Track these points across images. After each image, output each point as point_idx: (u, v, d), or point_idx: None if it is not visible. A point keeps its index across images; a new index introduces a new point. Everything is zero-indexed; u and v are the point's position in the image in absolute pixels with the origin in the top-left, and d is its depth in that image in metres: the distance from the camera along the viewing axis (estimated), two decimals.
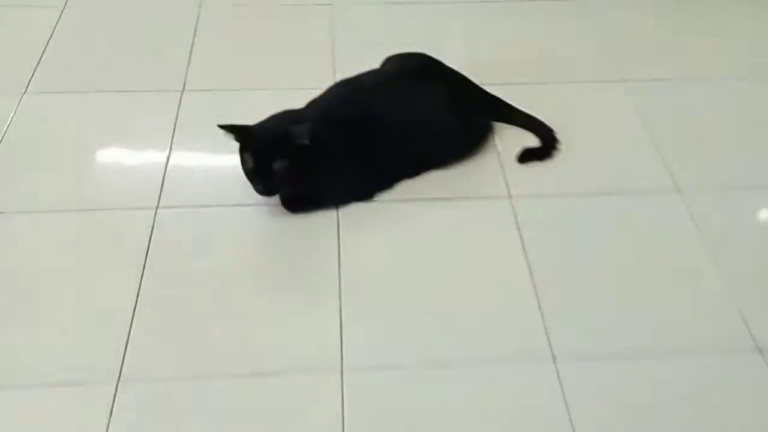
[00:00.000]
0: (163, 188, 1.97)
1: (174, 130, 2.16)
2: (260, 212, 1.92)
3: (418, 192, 1.98)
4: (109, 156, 2.13)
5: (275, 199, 1.91)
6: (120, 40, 2.52)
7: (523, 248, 1.84)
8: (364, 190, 1.94)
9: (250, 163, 1.74)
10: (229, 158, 1.85)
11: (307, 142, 1.73)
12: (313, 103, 1.93)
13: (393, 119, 1.91)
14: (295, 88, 2.23)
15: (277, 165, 1.72)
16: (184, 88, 2.31)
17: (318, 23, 2.60)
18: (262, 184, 1.75)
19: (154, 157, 2.07)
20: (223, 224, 1.89)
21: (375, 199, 1.96)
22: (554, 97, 2.29)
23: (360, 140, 1.88)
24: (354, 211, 1.93)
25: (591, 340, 1.64)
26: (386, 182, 1.97)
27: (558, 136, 2.10)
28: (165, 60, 2.42)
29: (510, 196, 1.98)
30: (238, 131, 1.73)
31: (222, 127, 1.71)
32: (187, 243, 1.84)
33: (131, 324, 1.63)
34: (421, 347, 1.62)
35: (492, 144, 2.12)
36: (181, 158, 2.08)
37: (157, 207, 1.92)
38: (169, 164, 2.05)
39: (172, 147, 2.10)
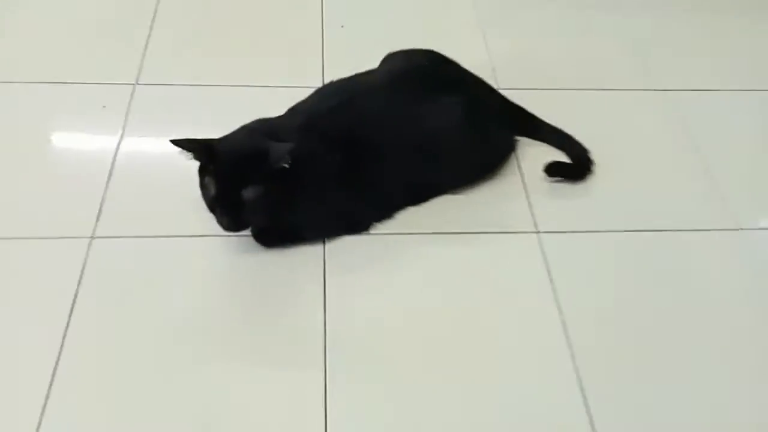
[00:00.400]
0: (102, 212, 1.55)
1: (122, 135, 1.74)
2: (225, 246, 1.52)
3: (423, 223, 1.60)
4: (38, 167, 1.70)
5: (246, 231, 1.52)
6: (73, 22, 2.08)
7: (555, 299, 1.46)
8: (358, 221, 1.56)
9: (213, 190, 1.33)
10: (187, 176, 1.44)
11: (288, 165, 1.33)
12: (294, 111, 1.54)
13: (394, 132, 1.53)
14: (278, 85, 1.86)
15: (248, 193, 1.32)
16: (137, 81, 1.89)
17: (307, 12, 2.19)
18: (228, 217, 1.35)
19: (92, 172, 1.66)
20: (175, 260, 1.49)
21: (371, 230, 1.57)
22: (583, 107, 1.93)
23: (353, 158, 1.49)
24: (344, 245, 1.54)
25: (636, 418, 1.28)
26: (385, 211, 1.59)
27: (592, 156, 1.72)
28: (118, 46, 2.00)
29: (537, 231, 1.60)
30: (197, 148, 1.33)
31: (176, 143, 1.31)
32: (127, 283, 1.44)
33: (45, 403, 1.23)
34: (426, 424, 1.25)
35: (513, 164, 1.74)
36: (126, 174, 1.66)
37: (93, 236, 1.51)
38: (110, 181, 1.63)
39: (116, 159, 1.68)
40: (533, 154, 1.76)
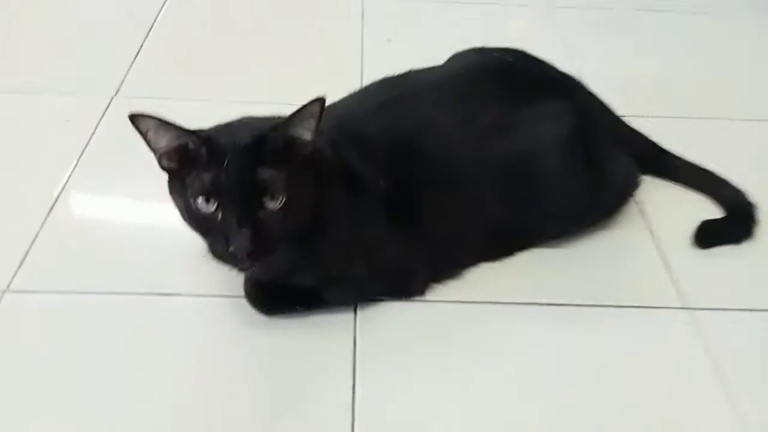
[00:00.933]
0: (27, 258, 1.05)
1: (82, 151, 1.26)
2: (206, 309, 1.00)
3: (508, 288, 1.05)
4: None
5: (233, 285, 1.00)
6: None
7: (730, 405, 0.89)
8: (408, 278, 1.02)
9: (208, 181, 0.82)
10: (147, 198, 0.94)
11: (311, 148, 0.86)
12: (330, 112, 1.02)
13: (468, 148, 1.01)
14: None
15: (266, 173, 0.82)
16: (116, 93, 1.43)
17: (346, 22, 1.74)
18: (241, 220, 0.82)
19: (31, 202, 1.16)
20: (138, 329, 0.97)
21: (427, 296, 1.02)
22: (723, 139, 1.39)
23: (405, 182, 0.98)
24: (386, 315, 1.00)
25: None
26: (450, 266, 1.05)
27: (753, 200, 1.17)
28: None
29: (685, 307, 1.04)
30: (180, 130, 0.83)
31: (137, 118, 0.81)
32: (61, 359, 0.91)
33: None
34: None
35: (633, 210, 1.19)
36: (73, 208, 1.17)
37: (7, 289, 1.00)
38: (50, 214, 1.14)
39: (67, 184, 1.20)
40: (661, 198, 1.22)
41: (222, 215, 0.82)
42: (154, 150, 0.84)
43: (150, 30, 1.66)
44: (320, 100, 0.81)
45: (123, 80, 1.47)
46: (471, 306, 1.02)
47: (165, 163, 0.85)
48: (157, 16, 1.72)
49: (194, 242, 1.03)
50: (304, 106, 0.81)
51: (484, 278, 1.06)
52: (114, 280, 1.03)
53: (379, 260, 0.97)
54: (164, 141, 0.82)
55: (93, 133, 1.31)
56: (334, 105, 1.02)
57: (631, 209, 1.19)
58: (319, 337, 0.96)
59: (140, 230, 1.13)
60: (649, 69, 1.61)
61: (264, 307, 0.98)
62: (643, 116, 1.31)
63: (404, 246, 0.98)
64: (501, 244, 1.06)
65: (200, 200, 0.82)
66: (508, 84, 1.06)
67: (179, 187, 0.85)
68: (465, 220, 1.01)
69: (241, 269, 0.90)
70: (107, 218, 1.15)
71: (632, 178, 1.15)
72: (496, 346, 0.97)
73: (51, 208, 1.14)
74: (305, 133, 0.83)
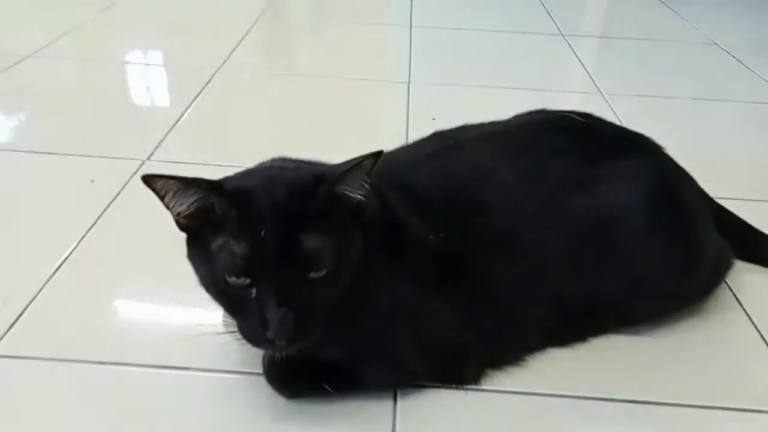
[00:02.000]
0: (18, 321, 0.92)
1: (102, 212, 1.16)
2: (217, 386, 0.84)
3: (581, 380, 0.86)
4: None
5: (250, 359, 0.85)
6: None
7: None
8: (461, 360, 0.84)
9: (244, 249, 0.67)
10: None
11: (364, 198, 0.72)
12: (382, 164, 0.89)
13: (535, 209, 0.86)
14: None
15: (312, 240, 0.68)
16: (148, 158, 1.34)
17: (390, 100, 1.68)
18: (283, 299, 0.67)
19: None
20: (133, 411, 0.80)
21: (483, 384, 0.85)
22: None
23: (460, 245, 0.83)
24: (432, 404, 0.82)
25: None
26: (511, 347, 0.87)
27: None
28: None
29: None
30: (203, 185, 0.69)
31: (151, 179, 0.68)
32: None
33: None
34: None
35: (726, 294, 1.01)
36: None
37: None
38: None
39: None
40: (756, 284, 1.03)
41: (257, 291, 0.68)
42: (171, 211, 0.71)
43: (191, 104, 1.61)
44: (376, 155, 0.68)
45: (158, 146, 1.39)
46: (536, 398, 0.84)
47: (185, 223, 0.72)
48: (201, 91, 1.67)
49: (206, 315, 0.91)
50: (359, 162, 0.67)
51: (552, 367, 0.88)
52: (113, 350, 0.88)
53: (427, 333, 0.80)
54: (185, 204, 0.69)
55: (117, 195, 1.21)
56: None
57: (724, 294, 1.01)
58: (352, 428, 0.79)
59: (148, 298, 0.99)
60: (713, 152, 1.47)
61: (286, 387, 0.81)
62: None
63: (457, 319, 0.82)
64: (572, 325, 0.88)
65: (231, 276, 0.68)
66: (579, 139, 0.93)
67: (201, 252, 0.71)
68: (529, 291, 0.84)
69: (274, 354, 0.75)
70: (114, 285, 1.02)
71: (726, 255, 0.97)
72: None
73: (56, 269, 1.02)
74: (356, 190, 0.70)
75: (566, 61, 2.02)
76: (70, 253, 1.05)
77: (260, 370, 0.83)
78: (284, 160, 0.78)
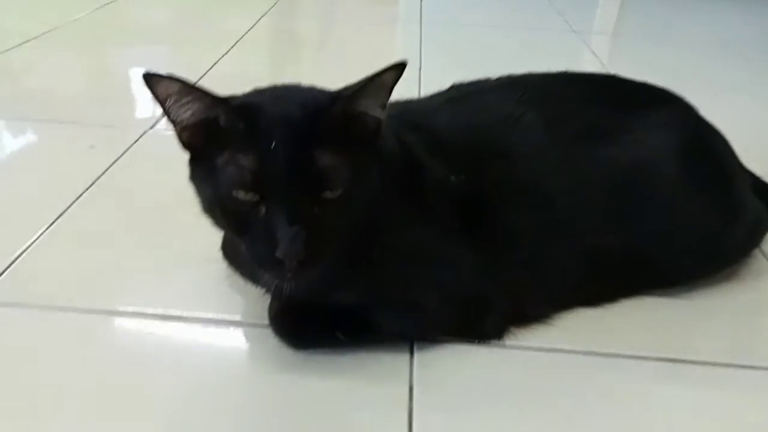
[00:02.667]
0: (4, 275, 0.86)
1: (101, 174, 1.10)
2: (217, 337, 0.78)
3: (611, 338, 0.80)
4: None
5: (254, 308, 0.79)
6: None
7: None
8: (483, 312, 0.77)
9: (253, 163, 0.62)
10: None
11: (377, 129, 0.67)
12: (390, 106, 0.83)
13: (563, 155, 0.81)
14: None
15: (325, 158, 0.63)
16: (151, 128, 1.29)
17: None
18: (294, 222, 0.62)
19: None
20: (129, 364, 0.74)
21: (506, 340, 0.78)
22: None
23: (484, 186, 0.77)
24: (452, 359, 0.76)
25: None
26: (537, 301, 0.81)
27: None
28: None
29: None
30: (211, 98, 0.64)
31: (153, 79, 0.63)
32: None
33: None
34: None
35: (760, 260, 0.95)
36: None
37: None
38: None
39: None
40: None
41: (267, 209, 0.63)
42: (173, 122, 0.66)
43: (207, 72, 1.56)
44: (400, 66, 0.62)
45: (161, 118, 1.34)
46: (562, 356, 0.77)
47: (187, 138, 0.67)
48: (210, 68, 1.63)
49: (206, 262, 0.85)
50: (379, 74, 0.62)
51: (580, 325, 0.81)
52: (106, 299, 0.82)
53: (448, 280, 0.74)
54: (189, 112, 0.65)
55: (117, 160, 1.16)
56: (395, 101, 0.85)
57: (757, 261, 0.95)
58: (365, 381, 0.72)
59: (146, 250, 0.93)
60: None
61: (294, 336, 0.75)
62: None
63: (480, 267, 0.76)
64: (602, 281, 0.82)
65: (239, 190, 0.63)
66: (607, 89, 0.88)
67: (206, 171, 0.66)
68: (556, 242, 0.79)
69: (282, 285, 0.68)
70: (109, 240, 0.96)
71: (764, 216, 0.91)
72: (590, 404, 0.71)
73: (51, 224, 0.96)
74: (375, 108, 0.65)
75: (580, 58, 1.98)
76: (66, 210, 1.00)
77: (265, 322, 0.77)
78: (298, 86, 0.72)
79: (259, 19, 2.10)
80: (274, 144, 0.62)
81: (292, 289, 0.68)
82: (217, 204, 0.66)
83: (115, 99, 1.48)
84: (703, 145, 0.84)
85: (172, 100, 0.64)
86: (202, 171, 0.67)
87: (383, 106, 0.65)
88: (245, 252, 0.66)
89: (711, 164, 0.84)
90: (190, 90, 0.63)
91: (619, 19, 2.48)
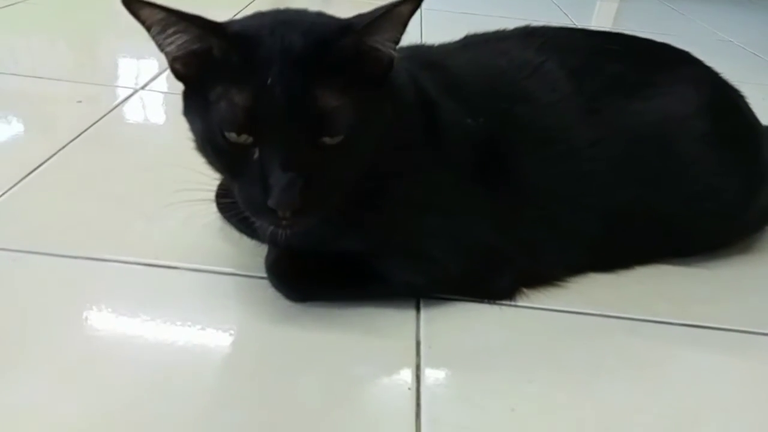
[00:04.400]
0: None
1: (88, 127, 1.04)
2: (211, 287, 0.72)
3: (626, 301, 0.76)
4: None
5: (249, 258, 0.74)
6: None
7: None
8: (496, 269, 0.73)
9: (248, 99, 0.56)
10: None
11: (389, 68, 0.61)
12: (402, 49, 0.79)
13: (584, 107, 0.76)
14: None
15: (329, 99, 0.56)
16: (142, 87, 1.23)
17: None
18: (288, 168, 0.56)
19: None
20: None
21: (518, 299, 0.73)
22: None
23: (501, 134, 0.73)
24: (459, 316, 0.71)
25: None
26: (552, 260, 0.76)
27: None
28: None
29: None
30: (194, 22, 0.58)
31: (133, 4, 0.56)
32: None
33: None
34: None
35: None
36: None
37: None
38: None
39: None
40: None
41: (260, 152, 0.57)
42: (163, 52, 0.60)
43: None
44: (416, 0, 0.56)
45: (155, 77, 1.28)
46: (576, 317, 0.73)
47: (179, 69, 0.61)
48: None
49: (196, 215, 0.79)
50: (396, 4, 0.55)
51: (595, 289, 0.77)
52: (88, 245, 0.76)
53: (461, 230, 0.69)
54: (177, 42, 0.58)
55: (104, 116, 1.10)
56: (405, 45, 0.80)
57: None
58: (369, 335, 0.67)
59: (132, 201, 0.87)
60: None
61: (294, 287, 0.69)
62: None
63: (495, 220, 0.71)
64: (622, 242, 0.77)
65: (230, 131, 0.57)
66: (631, 45, 0.84)
67: (198, 105, 0.60)
68: (576, 196, 0.74)
69: (276, 232, 0.62)
70: (98, 186, 0.90)
71: None
72: (606, 366, 0.67)
73: (31, 172, 0.90)
74: (389, 43, 0.59)
75: None
76: (50, 158, 0.94)
77: (261, 273, 0.72)
78: (303, 11, 0.66)
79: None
80: (270, 80, 0.55)
81: (288, 238, 0.63)
82: (208, 143, 0.60)
83: (102, 63, 1.43)
84: (729, 104, 0.80)
85: (157, 30, 0.58)
86: (194, 105, 0.61)
87: (397, 41, 0.59)
88: (237, 196, 0.60)
89: (738, 124, 0.80)
90: (177, 18, 0.56)
91: (618, 13, 2.47)
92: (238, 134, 0.57)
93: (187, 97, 0.63)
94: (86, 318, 0.66)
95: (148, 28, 0.58)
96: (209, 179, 0.81)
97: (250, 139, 0.57)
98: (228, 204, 0.78)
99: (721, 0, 2.87)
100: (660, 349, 0.70)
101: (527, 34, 0.82)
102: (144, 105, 1.18)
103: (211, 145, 0.60)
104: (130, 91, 1.21)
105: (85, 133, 1.03)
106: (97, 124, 1.06)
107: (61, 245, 0.76)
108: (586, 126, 0.74)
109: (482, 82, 0.74)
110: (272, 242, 0.71)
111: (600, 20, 2.36)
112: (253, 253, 0.75)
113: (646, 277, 0.80)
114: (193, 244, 0.78)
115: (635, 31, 2.06)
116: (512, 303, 0.73)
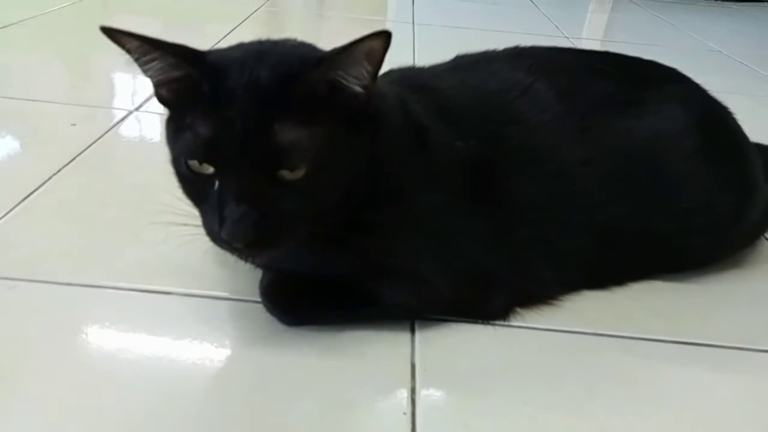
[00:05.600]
0: None
1: (80, 152, 1.04)
2: (204, 312, 0.73)
3: (621, 320, 0.76)
4: None
5: (245, 288, 0.74)
6: None
7: None
8: (489, 288, 0.73)
9: (209, 130, 0.57)
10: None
11: (364, 101, 0.61)
12: (390, 73, 0.80)
13: (575, 126, 0.77)
14: None
15: (286, 132, 0.56)
16: (137, 108, 1.24)
17: None
18: (242, 202, 0.57)
19: None
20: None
21: (512, 319, 0.74)
22: None
23: (490, 154, 0.73)
24: (454, 337, 0.71)
25: None
26: (545, 281, 0.76)
27: None
28: None
29: None
30: (179, 52, 0.59)
31: (115, 33, 0.57)
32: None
33: None
34: None
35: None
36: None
37: None
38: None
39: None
40: None
41: (219, 183, 0.58)
42: (146, 77, 0.61)
43: None
44: (384, 35, 0.55)
45: (148, 99, 1.29)
46: (571, 336, 0.73)
47: (162, 93, 0.62)
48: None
49: (191, 238, 0.80)
50: (359, 41, 0.55)
51: (589, 307, 0.78)
52: (81, 272, 0.76)
53: (453, 253, 0.69)
54: (155, 68, 0.59)
55: (98, 139, 1.10)
56: (396, 68, 0.81)
57: (764, 249, 0.92)
58: (364, 358, 0.67)
59: (127, 225, 0.87)
60: None
61: (288, 311, 0.70)
62: None
63: (487, 240, 0.71)
64: (614, 260, 0.78)
65: (192, 160, 0.58)
66: (619, 64, 0.85)
67: (174, 130, 0.61)
68: (567, 215, 0.75)
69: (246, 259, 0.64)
70: (93, 211, 0.90)
71: None
72: (601, 386, 0.67)
73: (26, 197, 0.90)
74: (355, 81, 0.58)
75: None
76: (44, 183, 0.94)
77: (256, 298, 0.72)
78: (288, 43, 0.66)
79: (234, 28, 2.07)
80: (231, 112, 0.56)
81: (279, 262, 0.64)
82: (175, 169, 0.62)
83: (97, 84, 1.43)
84: (717, 120, 0.81)
85: (136, 56, 0.58)
86: (171, 131, 0.62)
87: (369, 77, 0.58)
88: (201, 223, 0.61)
89: (727, 140, 0.81)
90: (151, 47, 0.57)
91: (608, 25, 2.49)
92: (200, 164, 0.58)
93: (168, 122, 0.64)
94: (81, 345, 0.67)
95: (131, 55, 0.59)
96: None
97: (211, 169, 0.58)
98: None
99: (710, 10, 2.91)
100: (654, 368, 0.70)
101: (516, 55, 0.83)
102: (139, 127, 1.19)
103: (178, 171, 0.61)
104: (125, 112, 1.22)
105: (80, 156, 1.03)
106: (91, 147, 1.07)
107: (56, 272, 0.76)
108: (577, 145, 0.75)
109: (472, 104, 0.75)
110: (265, 266, 0.71)
111: (591, 32, 2.38)
112: (248, 276, 0.76)
113: (638, 294, 0.81)
114: (187, 269, 0.78)
115: (626, 42, 2.10)
116: (506, 323, 0.74)
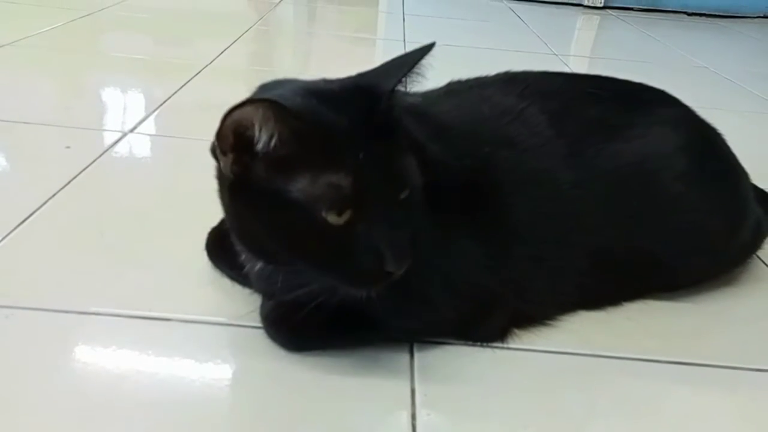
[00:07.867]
0: None
1: (75, 177, 1.05)
2: (205, 338, 0.72)
3: (620, 340, 0.77)
4: None
5: (245, 307, 0.75)
6: None
7: None
8: (486, 311, 0.74)
9: (361, 177, 0.59)
10: None
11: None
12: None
13: (568, 150, 0.78)
14: None
15: (405, 158, 0.64)
16: (131, 130, 1.24)
17: None
18: (398, 227, 0.61)
19: None
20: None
21: (509, 342, 0.75)
22: None
23: (486, 176, 0.74)
24: (454, 361, 0.72)
25: None
26: (542, 302, 0.77)
27: None
28: None
29: None
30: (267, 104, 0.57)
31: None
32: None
33: None
34: None
35: (758, 267, 0.94)
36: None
37: None
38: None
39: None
40: None
41: (363, 226, 0.59)
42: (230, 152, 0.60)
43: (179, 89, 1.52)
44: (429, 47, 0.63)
45: (143, 120, 1.29)
46: (568, 358, 0.74)
47: (262, 169, 0.59)
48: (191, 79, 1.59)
49: (188, 264, 0.81)
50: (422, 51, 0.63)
51: (586, 328, 0.78)
52: (77, 299, 0.76)
53: (451, 274, 0.70)
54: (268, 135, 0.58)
55: (93, 162, 1.10)
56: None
57: (758, 267, 0.94)
58: (364, 383, 0.68)
59: (124, 250, 0.87)
60: None
61: (290, 338, 0.70)
62: None
63: (483, 260, 0.72)
64: (609, 281, 0.79)
65: (331, 213, 0.58)
66: (609, 87, 0.87)
67: (269, 202, 0.60)
68: (562, 237, 0.76)
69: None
70: (89, 236, 0.90)
71: (764, 219, 0.89)
72: (599, 407, 0.68)
73: (21, 223, 0.90)
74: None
75: None
76: (39, 208, 0.94)
77: (255, 323, 0.73)
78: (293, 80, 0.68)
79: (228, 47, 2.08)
80: (361, 154, 0.58)
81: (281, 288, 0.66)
82: (298, 238, 0.60)
83: (90, 105, 1.43)
84: (708, 143, 0.83)
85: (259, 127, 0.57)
86: (262, 202, 0.60)
87: None
88: (331, 278, 0.62)
89: (717, 162, 0.83)
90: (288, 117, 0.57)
91: (595, 42, 2.52)
92: (340, 214, 0.58)
93: (243, 193, 0.62)
94: (80, 374, 0.66)
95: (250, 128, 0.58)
96: (201, 228, 0.83)
97: (347, 217, 0.58)
98: (219, 252, 0.80)
99: (696, 27, 2.96)
100: (651, 388, 0.71)
101: (508, 80, 0.84)
102: (133, 149, 1.19)
103: (307, 238, 0.60)
104: (119, 134, 1.22)
105: (75, 180, 1.03)
106: (86, 170, 1.07)
107: (54, 300, 0.76)
108: (569, 168, 0.76)
109: (466, 128, 0.76)
110: (266, 293, 0.71)
111: (579, 48, 2.41)
112: (247, 301, 0.76)
113: (634, 313, 0.82)
114: (185, 294, 0.78)
115: (613, 59, 2.12)
116: (505, 345, 0.74)
